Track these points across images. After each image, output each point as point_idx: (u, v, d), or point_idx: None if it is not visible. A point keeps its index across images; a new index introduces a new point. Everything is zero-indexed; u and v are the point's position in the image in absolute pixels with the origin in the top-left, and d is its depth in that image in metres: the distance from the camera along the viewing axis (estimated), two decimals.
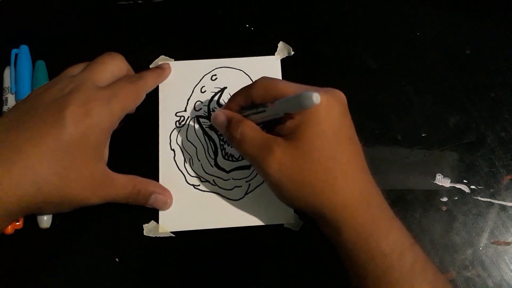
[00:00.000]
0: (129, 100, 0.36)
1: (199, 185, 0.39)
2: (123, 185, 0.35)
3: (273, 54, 0.43)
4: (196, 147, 0.40)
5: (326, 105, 0.30)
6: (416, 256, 0.30)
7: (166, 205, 0.37)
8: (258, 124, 0.33)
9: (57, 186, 0.32)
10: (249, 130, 0.32)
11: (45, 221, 0.37)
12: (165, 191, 0.38)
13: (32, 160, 0.31)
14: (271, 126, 0.33)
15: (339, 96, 0.32)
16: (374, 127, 0.41)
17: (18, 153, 0.31)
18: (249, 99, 0.33)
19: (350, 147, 0.32)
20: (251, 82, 0.42)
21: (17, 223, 0.36)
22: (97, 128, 0.33)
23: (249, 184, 0.39)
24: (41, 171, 0.31)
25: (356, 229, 0.30)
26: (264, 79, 0.33)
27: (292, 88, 0.31)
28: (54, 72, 0.37)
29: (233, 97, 0.36)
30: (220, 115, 0.34)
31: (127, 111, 0.36)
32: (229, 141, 0.34)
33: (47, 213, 0.36)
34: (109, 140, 0.37)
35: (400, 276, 0.30)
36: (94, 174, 0.33)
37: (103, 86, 0.35)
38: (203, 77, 0.42)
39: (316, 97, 0.27)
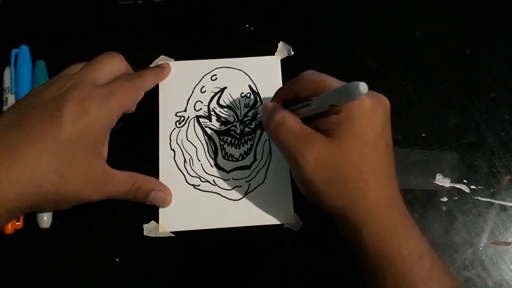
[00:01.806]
0: (127, 98, 0.36)
1: (199, 185, 0.39)
2: (123, 182, 0.35)
3: (273, 54, 0.43)
4: (196, 147, 0.40)
5: (371, 108, 0.30)
6: (434, 261, 0.31)
7: (166, 202, 0.37)
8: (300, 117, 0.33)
9: (56, 184, 0.32)
10: (290, 117, 0.32)
11: (45, 221, 0.37)
12: (164, 188, 0.38)
13: (31, 158, 0.31)
14: (310, 121, 0.32)
15: (384, 102, 0.32)
16: None
17: (16, 151, 0.31)
18: (294, 93, 0.33)
19: (386, 154, 0.32)
20: (251, 82, 0.42)
21: (17, 223, 0.36)
22: (95, 125, 0.33)
23: (249, 184, 0.39)
24: (40, 169, 0.31)
25: (378, 231, 0.30)
26: (310, 72, 0.33)
27: (337, 82, 0.31)
28: (54, 72, 0.37)
29: (278, 92, 0.36)
30: (268, 104, 0.34)
31: (125, 109, 0.36)
32: (266, 125, 0.33)
33: (47, 210, 0.36)
34: (108, 138, 0.37)
35: (418, 279, 0.30)
36: (93, 171, 0.33)
37: (102, 84, 0.35)
38: (203, 77, 0.42)
39: (363, 86, 0.27)
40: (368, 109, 0.30)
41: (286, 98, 0.35)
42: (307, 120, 0.33)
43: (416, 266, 0.30)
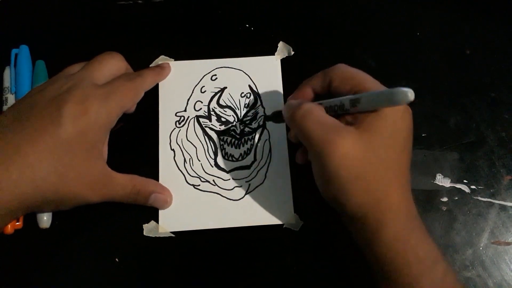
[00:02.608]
0: (127, 97, 0.36)
1: (199, 185, 0.39)
2: (123, 185, 0.35)
3: (273, 54, 0.43)
4: (196, 147, 0.40)
5: (403, 108, 0.30)
6: (448, 269, 0.30)
7: (166, 204, 0.37)
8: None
9: (55, 184, 0.32)
10: (317, 109, 0.31)
11: (45, 221, 0.36)
12: (164, 190, 0.38)
13: (31, 158, 0.31)
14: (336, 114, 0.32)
15: (409, 108, 0.31)
16: None
17: (16, 151, 0.31)
18: (326, 82, 0.33)
19: (409, 157, 0.31)
20: (251, 82, 0.42)
21: (17, 223, 0.36)
22: (95, 125, 0.33)
23: (249, 184, 0.39)
24: (39, 169, 0.31)
25: (396, 233, 0.30)
26: (342, 65, 0.33)
27: (371, 81, 0.31)
28: (54, 72, 0.37)
29: (308, 80, 0.35)
30: (292, 100, 0.34)
31: (125, 108, 0.36)
32: (290, 117, 0.32)
33: (46, 211, 0.36)
34: (107, 138, 0.37)
35: (432, 283, 0.29)
36: (93, 172, 0.33)
37: (101, 84, 0.35)
38: (203, 77, 0.42)
39: (411, 93, 0.26)
40: (401, 109, 0.30)
41: (315, 89, 0.34)
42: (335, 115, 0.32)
43: (430, 271, 0.30)
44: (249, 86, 0.42)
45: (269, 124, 0.41)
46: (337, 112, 0.31)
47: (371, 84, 0.31)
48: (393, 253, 0.30)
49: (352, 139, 0.29)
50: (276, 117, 0.39)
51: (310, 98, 0.35)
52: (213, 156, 0.40)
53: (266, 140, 0.40)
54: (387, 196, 0.30)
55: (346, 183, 0.29)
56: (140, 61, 0.41)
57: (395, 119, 0.30)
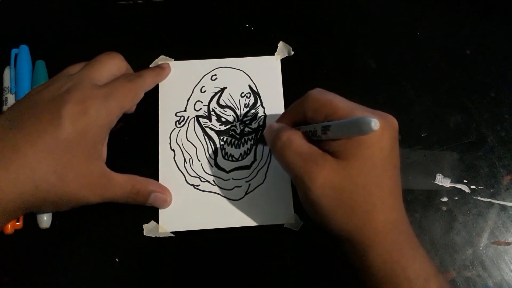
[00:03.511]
0: (127, 98, 0.36)
1: (199, 185, 0.39)
2: (122, 185, 0.35)
3: (273, 54, 0.43)
4: (196, 147, 0.40)
5: (379, 130, 0.29)
6: (441, 285, 0.30)
7: (166, 203, 0.37)
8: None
9: (54, 185, 0.32)
10: (297, 138, 0.31)
11: (45, 221, 0.36)
12: (164, 189, 0.38)
13: (30, 158, 0.31)
14: (317, 140, 0.31)
15: (392, 122, 0.31)
16: None
17: (15, 151, 0.31)
18: (302, 113, 0.32)
19: (394, 175, 0.31)
20: (251, 82, 0.42)
21: (17, 223, 0.36)
22: (94, 126, 0.33)
23: (249, 184, 0.39)
24: (38, 169, 0.31)
25: (383, 254, 0.30)
26: (316, 91, 0.32)
27: (345, 106, 0.30)
28: (54, 72, 0.37)
29: (284, 113, 0.35)
30: (274, 124, 0.34)
31: (125, 109, 0.36)
32: (272, 145, 0.32)
33: (45, 211, 0.36)
34: (107, 138, 0.37)
35: None
36: (92, 172, 0.33)
37: (101, 85, 0.35)
38: (203, 77, 0.42)
39: (375, 123, 0.26)
40: (377, 134, 0.29)
41: (293, 119, 0.34)
42: (314, 141, 0.32)
43: None
44: (249, 86, 0.42)
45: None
46: (312, 139, 0.31)
47: (343, 111, 0.30)
48: (383, 274, 0.30)
49: (330, 168, 0.29)
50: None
51: (290, 125, 0.34)
52: (213, 156, 0.40)
53: None
54: (371, 220, 0.30)
55: (328, 210, 0.30)
56: (140, 61, 0.41)
57: (371, 144, 0.29)
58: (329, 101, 0.31)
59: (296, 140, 0.31)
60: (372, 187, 0.30)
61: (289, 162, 0.31)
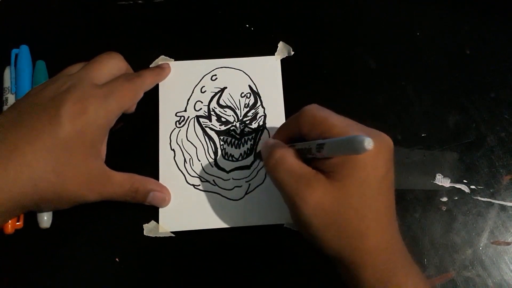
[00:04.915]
0: (126, 98, 0.36)
1: (199, 185, 0.39)
2: (121, 183, 0.35)
3: (273, 54, 0.43)
4: (196, 147, 0.40)
5: (374, 150, 0.27)
6: None
7: (165, 202, 0.37)
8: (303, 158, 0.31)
9: (53, 183, 0.32)
10: (290, 156, 0.30)
11: (45, 221, 0.37)
12: (163, 188, 0.38)
13: (29, 157, 0.31)
14: (311, 160, 0.31)
15: (387, 142, 0.30)
16: (374, 127, 0.41)
17: (14, 150, 0.31)
18: (297, 129, 0.32)
19: (389, 196, 0.31)
20: (251, 82, 0.42)
21: (17, 223, 0.36)
22: (93, 125, 0.33)
23: (249, 184, 0.39)
24: (37, 168, 0.31)
25: (375, 274, 0.30)
26: (312, 107, 0.32)
27: (340, 124, 0.30)
28: (54, 72, 0.37)
29: (281, 128, 0.35)
30: (270, 140, 0.33)
31: (124, 109, 0.36)
32: (265, 162, 0.32)
33: (45, 210, 0.36)
34: (106, 138, 0.37)
35: None
36: (91, 171, 0.33)
37: (101, 84, 0.35)
38: (203, 77, 0.42)
39: (369, 142, 0.25)
40: (372, 154, 0.28)
41: (289, 134, 0.34)
42: (308, 158, 0.31)
43: None
44: (249, 86, 0.42)
45: (269, 124, 0.41)
46: (307, 156, 0.31)
47: (338, 129, 0.29)
48: None
49: (322, 189, 0.29)
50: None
51: (287, 140, 0.34)
52: (213, 156, 0.40)
53: None
54: (364, 241, 0.29)
55: (319, 230, 0.30)
56: (140, 61, 0.41)
57: (365, 165, 0.29)
58: (325, 118, 0.30)
59: (288, 158, 0.30)
60: (365, 210, 0.29)
61: (281, 181, 0.30)
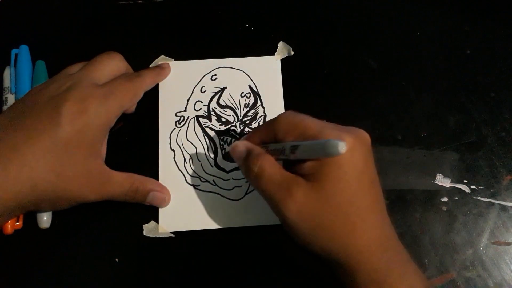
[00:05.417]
0: (126, 97, 0.36)
1: (199, 185, 0.39)
2: (121, 183, 0.35)
3: (273, 54, 0.43)
4: (196, 147, 0.40)
5: (349, 147, 0.28)
6: None
7: (165, 202, 0.37)
8: (278, 159, 0.31)
9: (53, 183, 0.32)
10: (269, 165, 0.31)
11: (45, 221, 0.36)
12: (163, 188, 0.38)
13: (28, 157, 0.31)
14: (290, 164, 0.31)
15: (363, 137, 0.30)
16: (374, 127, 0.41)
17: (14, 150, 0.31)
18: (272, 134, 0.32)
19: (372, 190, 0.30)
20: (251, 82, 0.42)
21: (17, 223, 0.36)
22: (93, 125, 0.33)
23: (249, 184, 0.39)
24: (37, 168, 0.31)
25: (370, 274, 0.29)
26: (288, 113, 0.32)
27: (315, 126, 0.30)
28: (54, 72, 0.37)
29: (255, 130, 0.35)
30: (239, 145, 0.33)
31: (124, 109, 0.36)
32: (246, 175, 0.32)
33: (45, 210, 0.36)
34: (106, 138, 0.37)
35: None
36: (90, 171, 0.33)
37: (101, 84, 0.35)
38: (203, 77, 0.42)
39: (342, 146, 0.25)
40: (348, 152, 0.27)
41: (263, 138, 0.33)
42: (287, 162, 0.31)
43: None
44: (249, 86, 0.42)
45: None
46: (279, 157, 0.31)
47: (313, 131, 0.30)
48: None
49: (303, 193, 0.29)
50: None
51: (260, 142, 0.34)
52: (213, 156, 0.40)
53: None
54: (354, 240, 0.29)
55: (307, 235, 0.30)
56: (140, 61, 0.41)
57: (341, 163, 0.29)
58: (300, 121, 0.31)
59: (268, 168, 0.30)
60: (348, 207, 0.29)
61: (263, 191, 0.31)
